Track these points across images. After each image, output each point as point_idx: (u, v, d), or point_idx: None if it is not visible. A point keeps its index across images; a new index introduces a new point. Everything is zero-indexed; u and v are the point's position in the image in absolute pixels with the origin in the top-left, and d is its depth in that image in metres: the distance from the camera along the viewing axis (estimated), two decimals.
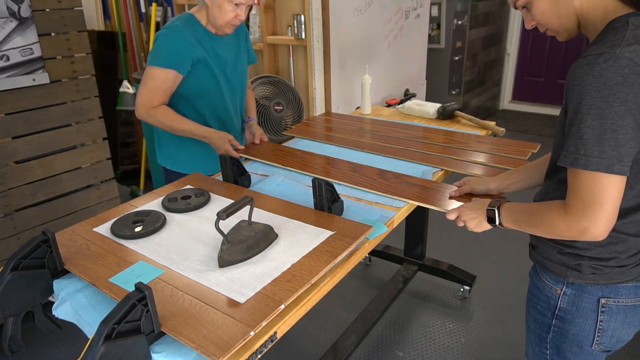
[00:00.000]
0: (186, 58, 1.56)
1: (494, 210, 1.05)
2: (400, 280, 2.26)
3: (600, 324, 1.00)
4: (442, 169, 1.55)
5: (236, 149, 1.63)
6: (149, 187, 3.45)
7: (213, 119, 1.74)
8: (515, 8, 1.01)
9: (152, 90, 1.56)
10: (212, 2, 1.53)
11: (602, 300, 0.98)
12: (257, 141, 1.79)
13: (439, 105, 2.10)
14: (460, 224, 1.16)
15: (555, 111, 5.11)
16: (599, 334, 1.01)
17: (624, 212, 0.92)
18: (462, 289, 2.34)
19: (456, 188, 1.33)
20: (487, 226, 1.09)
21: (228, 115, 1.78)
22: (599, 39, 0.87)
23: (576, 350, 1.05)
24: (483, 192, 1.29)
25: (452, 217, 1.17)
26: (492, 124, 1.91)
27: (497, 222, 1.06)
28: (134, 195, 3.45)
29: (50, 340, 2.00)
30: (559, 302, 1.03)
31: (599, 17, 0.89)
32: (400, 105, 2.30)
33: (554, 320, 1.05)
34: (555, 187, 1.01)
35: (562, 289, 1.02)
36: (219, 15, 1.54)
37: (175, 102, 1.66)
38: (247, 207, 1.08)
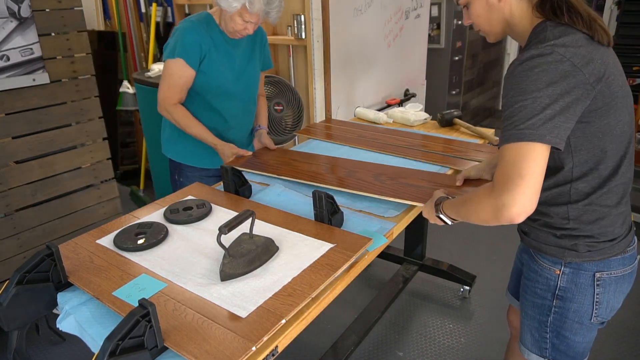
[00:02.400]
0: (195, 50, 1.63)
1: (439, 207, 1.13)
2: (400, 280, 2.28)
3: (597, 296, 1.07)
4: (451, 168, 1.61)
5: (239, 158, 1.69)
6: (149, 187, 3.46)
7: (221, 120, 1.79)
8: (458, 4, 1.10)
9: (170, 87, 1.67)
10: (225, 9, 1.56)
11: (597, 275, 1.06)
12: (268, 146, 1.85)
13: (423, 113, 2.12)
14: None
15: None
16: (597, 307, 1.09)
17: (600, 183, 0.99)
18: (462, 289, 2.37)
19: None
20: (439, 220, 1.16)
21: (237, 116, 1.82)
22: (527, 42, 0.98)
23: (576, 328, 1.11)
24: (476, 177, 1.40)
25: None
26: (490, 132, 1.92)
27: (441, 215, 1.13)
28: (134, 195, 3.46)
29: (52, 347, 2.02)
30: (558, 282, 1.09)
31: (526, 25, 1.01)
32: (385, 110, 2.31)
33: (554, 301, 1.11)
34: None
35: (560, 269, 1.08)
36: (229, 23, 1.60)
37: (192, 98, 1.74)
38: (249, 220, 1.09)
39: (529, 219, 1.08)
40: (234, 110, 1.80)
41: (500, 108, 5.42)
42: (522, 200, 0.86)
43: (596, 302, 1.08)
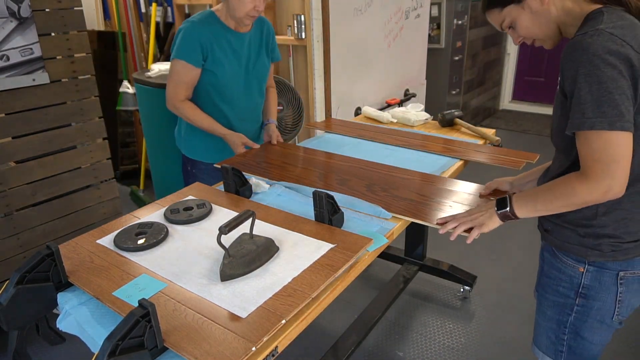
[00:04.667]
0: (196, 50, 1.66)
1: (506, 200, 1.09)
2: (401, 280, 2.28)
3: (620, 295, 1.08)
4: (461, 159, 1.68)
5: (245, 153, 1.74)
6: (149, 187, 3.46)
7: (231, 114, 1.81)
8: (502, 30, 1.11)
9: (176, 85, 1.72)
10: None
11: (621, 274, 1.06)
12: (274, 142, 1.90)
13: (424, 113, 2.13)
14: (456, 234, 1.17)
15: None
16: (619, 306, 1.09)
17: (632, 180, 0.99)
18: (462, 289, 2.37)
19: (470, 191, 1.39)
20: (497, 221, 1.12)
21: (244, 111, 1.85)
22: (579, 29, 0.99)
23: (596, 327, 1.12)
24: (507, 189, 1.36)
25: (445, 228, 1.18)
26: (491, 132, 1.92)
27: (508, 209, 1.08)
28: (134, 195, 3.46)
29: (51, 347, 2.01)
30: (582, 280, 1.09)
31: (577, 17, 1.02)
32: (386, 110, 2.31)
33: (577, 299, 1.11)
34: (567, 159, 1.07)
35: (584, 267, 1.08)
36: (238, 6, 1.62)
37: (200, 95, 1.78)
38: (249, 220, 1.09)
39: (554, 215, 1.09)
40: (243, 104, 1.82)
41: (501, 108, 5.45)
42: (622, 182, 0.93)
43: (619, 300, 1.08)
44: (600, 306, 1.09)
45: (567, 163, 1.06)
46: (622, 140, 0.90)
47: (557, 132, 1.06)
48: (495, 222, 1.13)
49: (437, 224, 1.22)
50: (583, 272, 1.08)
